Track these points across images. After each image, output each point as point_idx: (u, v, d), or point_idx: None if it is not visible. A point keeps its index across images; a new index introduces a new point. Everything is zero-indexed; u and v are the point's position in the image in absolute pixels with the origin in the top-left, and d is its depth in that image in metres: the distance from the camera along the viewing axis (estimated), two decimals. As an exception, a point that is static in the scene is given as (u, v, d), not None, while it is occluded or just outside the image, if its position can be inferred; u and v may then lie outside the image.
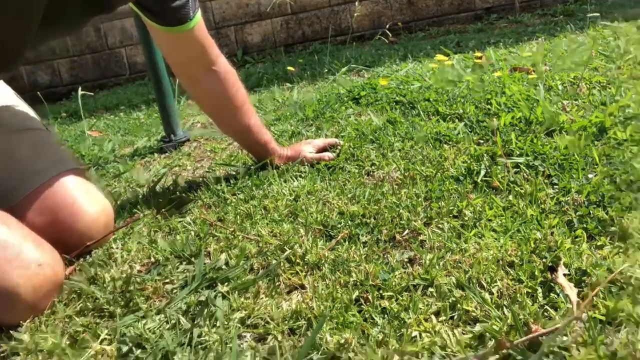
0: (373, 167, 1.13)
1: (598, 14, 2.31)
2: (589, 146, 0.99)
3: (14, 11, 0.73)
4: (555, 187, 0.89)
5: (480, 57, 1.92)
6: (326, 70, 2.47)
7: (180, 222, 1.02)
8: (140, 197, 1.24)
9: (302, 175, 1.16)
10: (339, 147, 1.26)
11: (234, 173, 1.28)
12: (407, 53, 2.56)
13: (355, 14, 2.73)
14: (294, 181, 1.13)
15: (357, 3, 2.72)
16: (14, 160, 0.90)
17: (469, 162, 1.03)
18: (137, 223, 1.05)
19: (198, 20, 1.06)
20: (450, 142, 1.18)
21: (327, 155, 1.23)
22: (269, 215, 0.98)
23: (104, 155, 1.79)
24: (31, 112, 1.05)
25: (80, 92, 2.02)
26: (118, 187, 1.37)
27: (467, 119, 1.30)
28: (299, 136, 1.49)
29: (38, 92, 2.64)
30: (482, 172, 0.95)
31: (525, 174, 0.93)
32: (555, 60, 1.73)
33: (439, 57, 1.65)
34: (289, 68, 2.32)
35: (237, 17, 3.31)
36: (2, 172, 0.88)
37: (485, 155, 1.04)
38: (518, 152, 1.02)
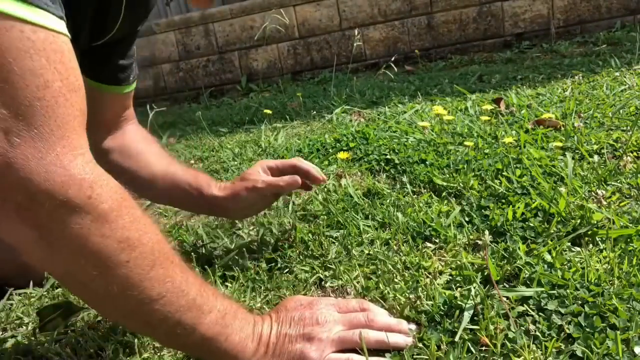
0: (327, 274, 0.83)
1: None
2: (635, 277, 0.65)
3: None
4: None
5: (498, 101, 1.59)
6: (324, 107, 2.18)
7: (53, 351, 0.75)
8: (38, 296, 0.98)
9: (234, 277, 0.87)
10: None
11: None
12: (419, 88, 2.24)
13: (356, 44, 2.43)
14: (219, 288, 0.84)
15: (356, 31, 2.42)
16: None
17: (453, 287, 0.71)
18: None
19: (127, 90, 0.87)
20: (437, 240, 0.86)
21: (285, 179, 0.84)
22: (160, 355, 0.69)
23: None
24: None
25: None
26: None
27: (465, 199, 0.98)
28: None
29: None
30: (467, 316, 0.63)
31: (532, 327, 0.60)
32: (593, 111, 1.39)
33: (437, 109, 1.33)
34: (266, 111, 2.05)
35: (241, 41, 3.08)
36: None
37: (477, 277, 0.72)
38: (526, 276, 0.69)
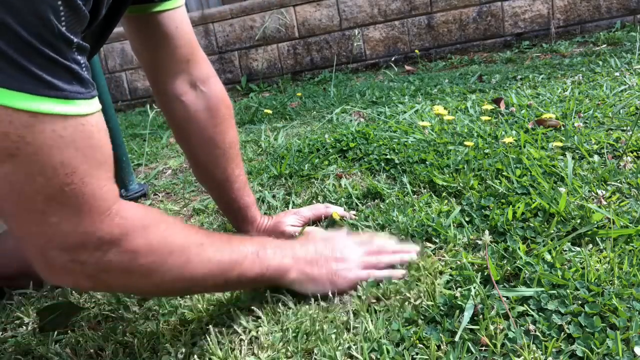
0: (327, 274, 0.82)
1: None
2: (635, 277, 0.65)
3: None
4: None
5: (498, 101, 1.59)
6: (324, 106, 2.18)
7: (53, 351, 0.75)
8: (38, 297, 0.98)
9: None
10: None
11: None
12: (419, 88, 2.24)
13: (356, 43, 2.43)
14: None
15: (356, 31, 2.42)
16: None
17: (453, 287, 0.71)
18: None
19: (178, 4, 0.81)
20: (437, 240, 0.86)
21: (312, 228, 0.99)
22: None
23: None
24: None
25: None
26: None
27: (466, 199, 0.98)
28: (261, 204, 1.21)
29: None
30: (467, 316, 0.63)
31: (532, 327, 0.60)
32: (593, 111, 1.39)
33: (438, 109, 1.33)
34: (266, 111, 2.05)
35: (241, 41, 3.08)
36: None
37: (477, 277, 0.72)
38: (526, 276, 0.69)
